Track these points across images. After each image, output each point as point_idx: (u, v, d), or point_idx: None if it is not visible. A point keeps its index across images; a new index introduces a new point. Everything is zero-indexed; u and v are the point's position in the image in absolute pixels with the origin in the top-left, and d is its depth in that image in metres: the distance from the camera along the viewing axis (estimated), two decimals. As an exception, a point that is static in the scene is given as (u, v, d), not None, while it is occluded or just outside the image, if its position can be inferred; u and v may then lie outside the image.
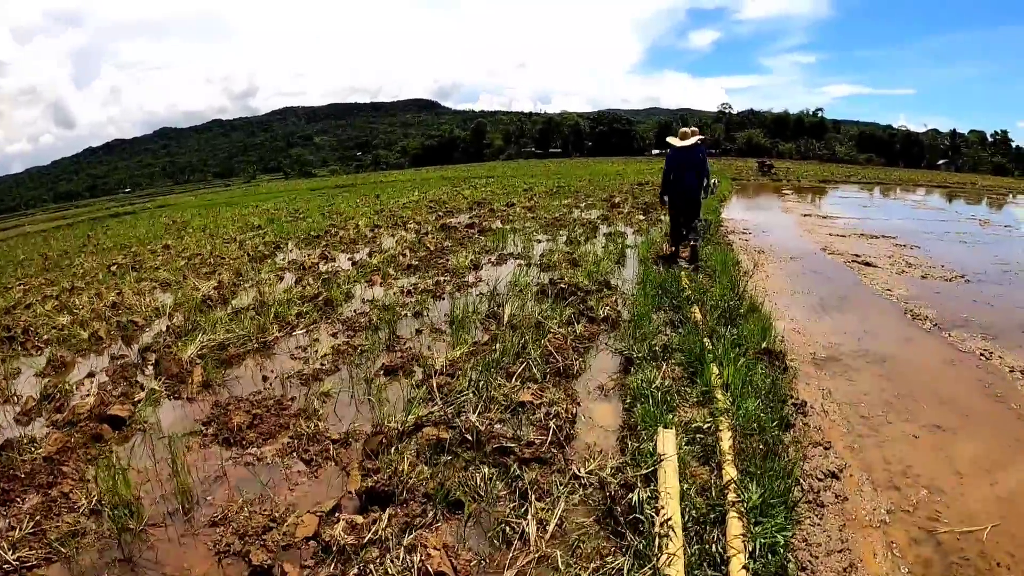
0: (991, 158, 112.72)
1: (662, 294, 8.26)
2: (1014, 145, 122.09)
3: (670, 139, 11.24)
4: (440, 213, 21.03)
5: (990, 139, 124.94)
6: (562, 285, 8.73)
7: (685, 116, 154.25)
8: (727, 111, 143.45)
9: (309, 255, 14.22)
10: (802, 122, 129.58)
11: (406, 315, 8.49)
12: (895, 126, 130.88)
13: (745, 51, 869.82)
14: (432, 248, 13.55)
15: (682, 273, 9.36)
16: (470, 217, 19.25)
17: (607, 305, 7.84)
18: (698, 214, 11.10)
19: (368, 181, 62.29)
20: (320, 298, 9.55)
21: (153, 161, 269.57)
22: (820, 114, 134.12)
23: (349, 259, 13.34)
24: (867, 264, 11.62)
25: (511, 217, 18.39)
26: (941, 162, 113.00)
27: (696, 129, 11.26)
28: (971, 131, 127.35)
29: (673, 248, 11.41)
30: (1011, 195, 36.03)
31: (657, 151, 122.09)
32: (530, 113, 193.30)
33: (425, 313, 8.54)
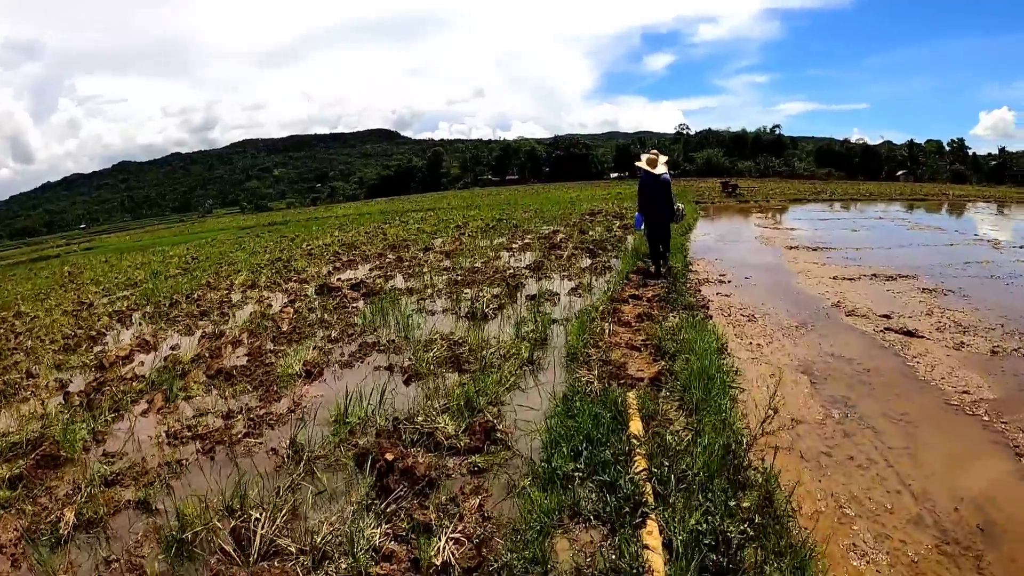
0: (949, 166, 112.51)
1: (589, 467, 4.21)
2: (971, 153, 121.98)
3: (640, 164, 11.65)
4: (341, 262, 17.06)
5: (947, 148, 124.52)
6: (390, 456, 4.54)
7: (643, 138, 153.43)
8: (685, 132, 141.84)
9: (137, 337, 10.53)
10: (760, 139, 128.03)
11: (128, 506, 4.65)
12: (852, 140, 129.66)
13: (700, 73, 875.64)
14: (283, 329, 9.59)
15: (631, 402, 5.24)
16: (371, 268, 15.44)
17: (461, 528, 3.74)
18: (669, 235, 12.11)
19: (303, 217, 58.06)
20: (43, 448, 5.66)
21: (111, 196, 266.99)
22: (777, 131, 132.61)
23: (172, 347, 9.58)
24: (908, 334, 7.77)
25: (420, 268, 14.49)
26: (900, 173, 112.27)
27: (657, 151, 11.86)
28: (928, 141, 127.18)
29: (653, 267, 11.79)
30: (974, 204, 35.35)
31: (616, 175, 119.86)
32: (488, 141, 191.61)
33: (155, 505, 4.59)
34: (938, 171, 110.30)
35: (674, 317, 8.14)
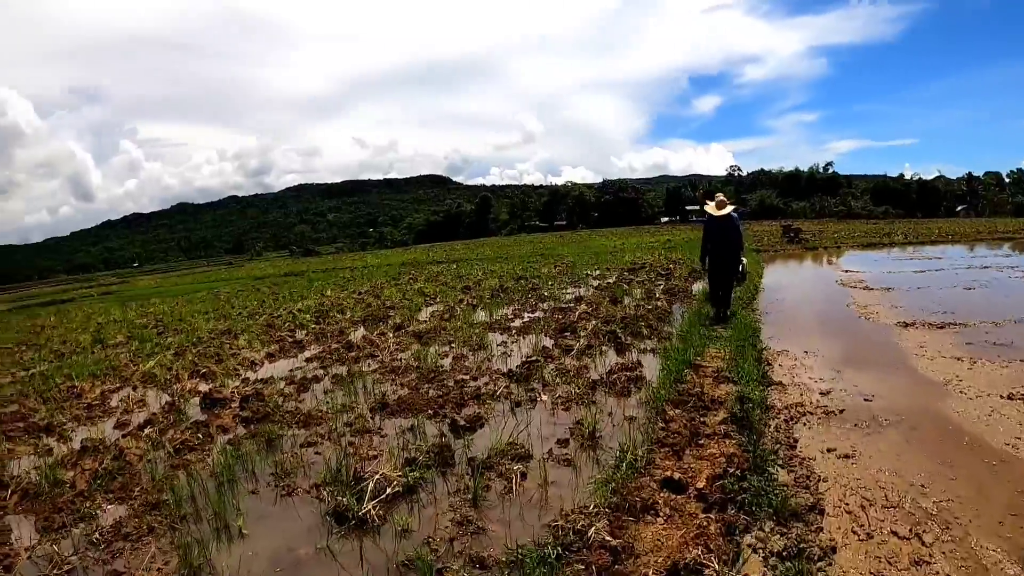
0: (1012, 199, 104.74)
1: None
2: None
3: (707, 207, 11.76)
4: (286, 344, 13.03)
5: (1007, 179, 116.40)
6: None
7: (694, 181, 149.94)
8: (736, 173, 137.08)
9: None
10: (814, 179, 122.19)
11: None
12: (907, 176, 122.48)
13: (748, 114, 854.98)
14: (78, 488, 5.99)
15: None
16: (309, 358, 11.31)
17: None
18: (735, 275, 11.63)
19: (327, 267, 54.37)
20: None
21: (168, 236, 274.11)
22: (831, 169, 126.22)
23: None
24: None
25: (367, 363, 10.40)
26: (960, 208, 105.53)
27: (724, 197, 11.99)
28: (986, 173, 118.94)
29: (713, 310, 11.86)
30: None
31: (666, 219, 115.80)
32: (537, 186, 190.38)
33: None
34: (999, 204, 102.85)
35: (758, 561, 3.66)
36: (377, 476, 4.91)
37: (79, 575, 4.47)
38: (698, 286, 16.55)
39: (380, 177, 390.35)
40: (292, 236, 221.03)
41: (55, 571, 4.45)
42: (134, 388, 10.66)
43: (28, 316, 36.07)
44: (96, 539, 4.87)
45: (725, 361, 8.41)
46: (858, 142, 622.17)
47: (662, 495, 4.49)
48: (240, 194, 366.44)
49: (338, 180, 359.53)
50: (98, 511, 5.43)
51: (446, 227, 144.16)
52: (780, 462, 5.17)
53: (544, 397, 7.42)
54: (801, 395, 7.15)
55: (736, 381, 7.32)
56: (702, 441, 5.56)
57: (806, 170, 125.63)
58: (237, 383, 9.80)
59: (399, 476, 5.03)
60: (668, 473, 4.80)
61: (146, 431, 7.62)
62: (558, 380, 8.11)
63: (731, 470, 4.74)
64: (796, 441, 5.74)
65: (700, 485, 4.60)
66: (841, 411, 6.55)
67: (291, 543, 4.48)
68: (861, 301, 13.97)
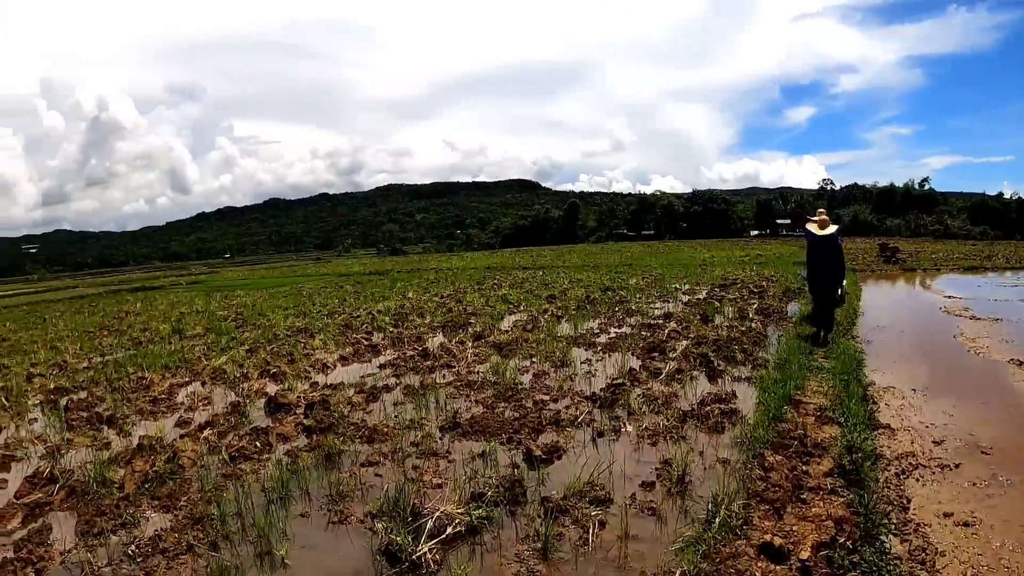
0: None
1: None
2: None
3: (809, 226, 12.08)
4: (362, 347, 12.82)
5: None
6: None
7: (785, 193, 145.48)
8: (829, 187, 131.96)
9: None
10: (909, 195, 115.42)
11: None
12: (1006, 195, 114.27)
13: (841, 126, 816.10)
14: (123, 490, 6.01)
15: None
16: (383, 365, 11.08)
17: None
18: (835, 299, 11.67)
19: (412, 267, 54.26)
20: None
21: (260, 229, 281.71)
22: (927, 185, 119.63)
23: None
24: None
25: (441, 373, 10.06)
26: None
27: (825, 216, 12.14)
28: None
29: (814, 329, 11.81)
30: None
31: (756, 232, 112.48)
32: (624, 194, 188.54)
33: None
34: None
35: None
36: (438, 513, 4.49)
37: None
38: (794, 307, 15.76)
39: (469, 180, 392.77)
40: (380, 235, 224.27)
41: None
42: (202, 384, 10.77)
43: (116, 301, 37.62)
44: (132, 551, 4.73)
45: (828, 397, 7.69)
46: (953, 158, 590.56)
47: (760, 564, 3.89)
48: (331, 192, 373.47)
49: (427, 181, 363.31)
50: (141, 519, 5.34)
51: (533, 232, 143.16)
52: (893, 528, 4.52)
53: (629, 428, 6.87)
54: (912, 442, 6.41)
55: (841, 423, 6.61)
56: (805, 496, 4.90)
57: (901, 186, 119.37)
58: (305, 386, 9.73)
59: (461, 514, 4.60)
60: (767, 537, 4.18)
61: (205, 432, 7.56)
62: (645, 408, 7.55)
63: (840, 539, 4.10)
64: (909, 501, 5.04)
65: (804, 555, 3.96)
66: (957, 465, 5.79)
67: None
68: (969, 333, 12.87)
